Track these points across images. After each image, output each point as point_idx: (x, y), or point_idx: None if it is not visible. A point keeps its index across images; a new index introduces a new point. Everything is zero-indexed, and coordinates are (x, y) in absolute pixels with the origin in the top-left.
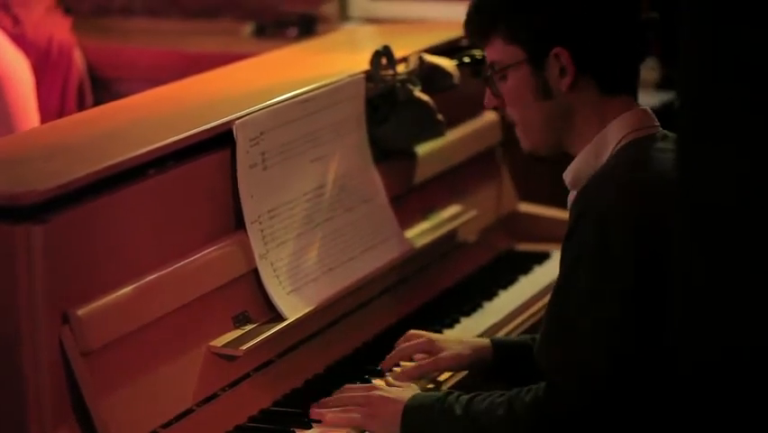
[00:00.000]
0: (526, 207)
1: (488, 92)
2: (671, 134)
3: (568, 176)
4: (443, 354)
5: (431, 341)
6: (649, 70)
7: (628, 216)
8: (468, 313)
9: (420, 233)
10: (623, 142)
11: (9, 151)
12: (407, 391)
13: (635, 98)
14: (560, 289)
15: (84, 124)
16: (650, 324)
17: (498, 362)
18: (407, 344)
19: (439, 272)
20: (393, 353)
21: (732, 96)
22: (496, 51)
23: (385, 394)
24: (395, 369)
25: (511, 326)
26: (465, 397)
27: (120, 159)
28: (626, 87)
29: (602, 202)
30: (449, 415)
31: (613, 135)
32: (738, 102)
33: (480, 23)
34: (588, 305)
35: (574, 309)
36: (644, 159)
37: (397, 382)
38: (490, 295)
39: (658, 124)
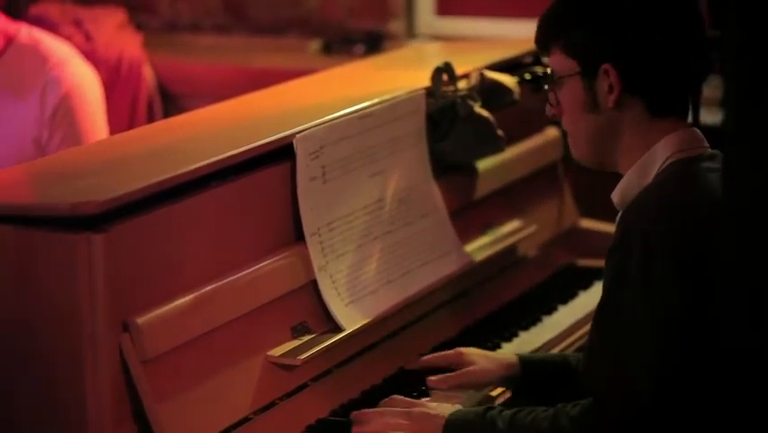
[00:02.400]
0: (588, 223)
1: (547, 101)
2: (719, 154)
3: (616, 196)
4: (470, 368)
5: (459, 353)
6: (712, 88)
7: (672, 235)
8: (526, 327)
9: (479, 247)
10: (669, 162)
11: (74, 163)
12: (449, 407)
13: (686, 119)
14: (603, 306)
15: (148, 137)
16: (694, 342)
17: (525, 379)
18: (437, 354)
19: (498, 287)
20: (423, 359)
21: None
22: (556, 62)
23: (426, 410)
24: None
25: (569, 340)
26: (508, 412)
27: (180, 171)
28: (677, 110)
29: (646, 220)
30: (491, 429)
31: (659, 155)
32: None
33: (543, 35)
34: (632, 323)
35: (618, 327)
36: (690, 178)
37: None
38: (549, 310)
39: (707, 144)
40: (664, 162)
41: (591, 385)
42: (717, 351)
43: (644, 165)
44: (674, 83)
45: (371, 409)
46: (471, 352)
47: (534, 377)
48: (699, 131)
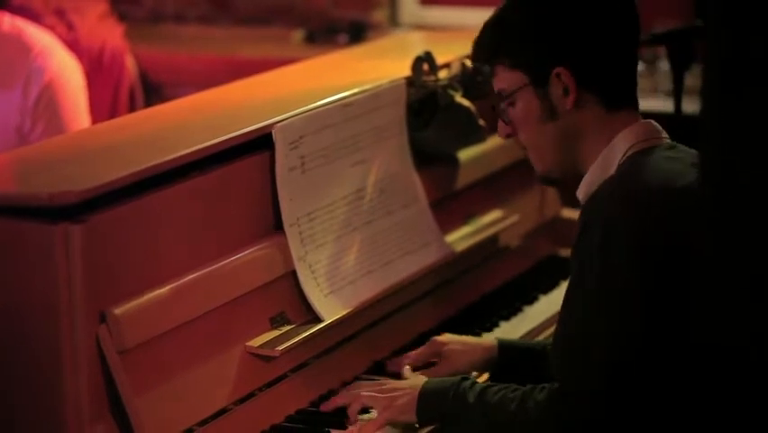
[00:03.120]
0: (571, 213)
1: (500, 122)
2: (680, 145)
3: (580, 192)
4: (449, 360)
5: (435, 341)
6: (694, 77)
7: (632, 223)
8: (507, 317)
9: (461, 237)
10: (629, 153)
11: (53, 152)
12: (419, 379)
13: (638, 110)
14: (568, 296)
15: (127, 127)
16: (657, 327)
17: (502, 362)
18: (416, 355)
19: (480, 277)
20: (399, 364)
21: (754, 101)
22: (501, 80)
23: (397, 385)
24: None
25: (550, 330)
26: (479, 386)
27: (158, 161)
28: (629, 100)
29: (606, 210)
30: (462, 401)
31: (619, 148)
32: (760, 107)
33: (482, 56)
34: (594, 310)
35: (582, 314)
36: (649, 167)
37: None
38: (531, 300)
39: (665, 135)
40: (624, 154)
41: (559, 373)
42: (679, 337)
43: (605, 159)
44: (624, 72)
45: (340, 394)
46: (448, 340)
47: (511, 362)
48: (655, 122)
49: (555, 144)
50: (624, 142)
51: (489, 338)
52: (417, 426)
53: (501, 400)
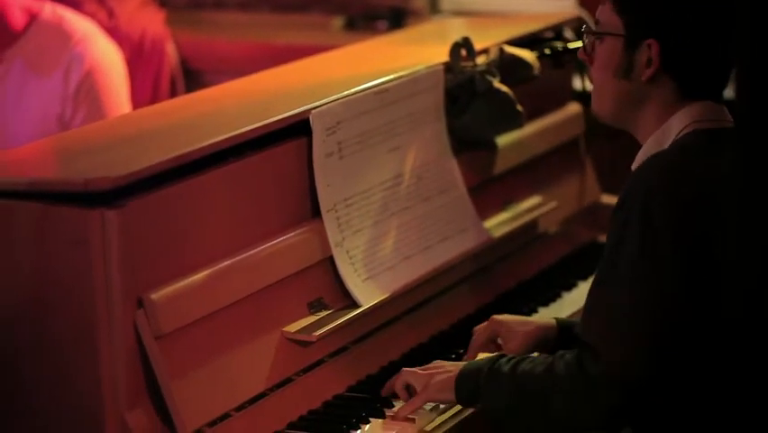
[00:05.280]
0: (610, 199)
1: (583, 46)
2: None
3: (635, 166)
4: (511, 338)
5: (496, 321)
6: None
7: (673, 196)
8: (545, 303)
9: (499, 223)
10: (685, 131)
11: (91, 138)
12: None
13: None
14: (603, 265)
15: (165, 113)
16: (692, 297)
17: (561, 342)
18: (476, 344)
19: (518, 263)
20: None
21: None
22: (604, 13)
23: (440, 367)
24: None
25: None
26: (515, 359)
27: (194, 147)
28: (709, 95)
29: (648, 185)
30: (496, 373)
31: (676, 124)
32: None
33: None
34: (627, 282)
35: (614, 285)
36: (700, 146)
37: None
38: (569, 286)
39: (729, 119)
40: (681, 131)
41: (589, 339)
42: (712, 310)
43: (661, 134)
44: (711, 69)
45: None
46: (506, 320)
47: (570, 340)
48: (723, 106)
49: (617, 100)
50: (682, 120)
51: (547, 318)
52: (459, 406)
53: (532, 366)
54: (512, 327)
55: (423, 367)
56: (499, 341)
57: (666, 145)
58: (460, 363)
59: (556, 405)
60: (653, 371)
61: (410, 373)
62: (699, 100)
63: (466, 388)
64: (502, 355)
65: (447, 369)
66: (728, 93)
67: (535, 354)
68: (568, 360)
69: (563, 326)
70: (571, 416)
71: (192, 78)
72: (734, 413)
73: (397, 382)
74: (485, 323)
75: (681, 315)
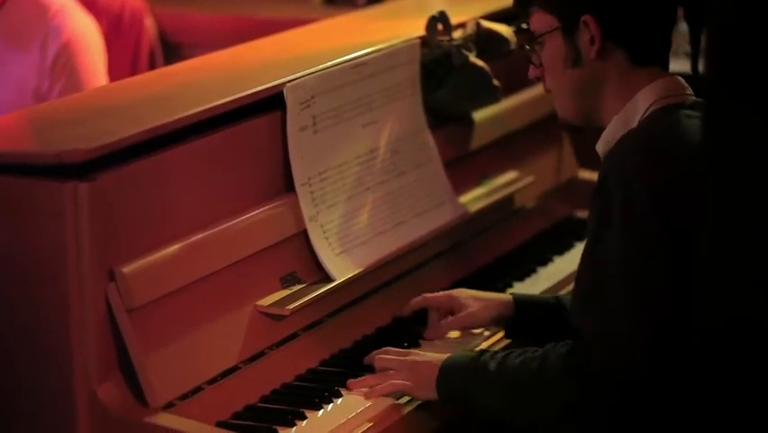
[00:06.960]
0: (588, 175)
1: (531, 64)
2: (701, 102)
3: (600, 146)
4: (469, 311)
5: (450, 296)
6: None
7: (651, 179)
8: (521, 278)
9: (475, 198)
10: (651, 109)
11: (64, 111)
12: (440, 355)
13: (667, 68)
14: (588, 250)
15: (139, 86)
16: (679, 282)
17: (518, 318)
18: (428, 295)
19: (494, 238)
20: (413, 301)
21: (758, 61)
22: (536, 22)
23: (419, 358)
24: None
25: (564, 291)
26: (500, 354)
27: (167, 120)
28: (657, 58)
29: (626, 164)
30: (483, 372)
31: (642, 103)
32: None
33: (521, 1)
34: (615, 265)
35: (602, 270)
36: (670, 124)
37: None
38: (544, 261)
39: (690, 92)
40: (647, 110)
41: (580, 327)
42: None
43: (627, 113)
44: (654, 30)
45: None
46: (463, 294)
47: (526, 316)
48: (681, 78)
49: (577, 91)
50: (647, 97)
51: (503, 294)
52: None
53: (523, 362)
54: (467, 302)
55: (396, 360)
56: None
57: (634, 124)
58: (435, 357)
59: (552, 405)
60: (653, 367)
61: (393, 361)
62: (652, 65)
63: (449, 385)
64: (484, 351)
65: (426, 362)
66: (687, 68)
67: (507, 341)
68: (561, 353)
69: (520, 301)
70: (570, 415)
71: (171, 51)
72: (734, 413)
73: (376, 364)
74: (441, 295)
75: (676, 303)
